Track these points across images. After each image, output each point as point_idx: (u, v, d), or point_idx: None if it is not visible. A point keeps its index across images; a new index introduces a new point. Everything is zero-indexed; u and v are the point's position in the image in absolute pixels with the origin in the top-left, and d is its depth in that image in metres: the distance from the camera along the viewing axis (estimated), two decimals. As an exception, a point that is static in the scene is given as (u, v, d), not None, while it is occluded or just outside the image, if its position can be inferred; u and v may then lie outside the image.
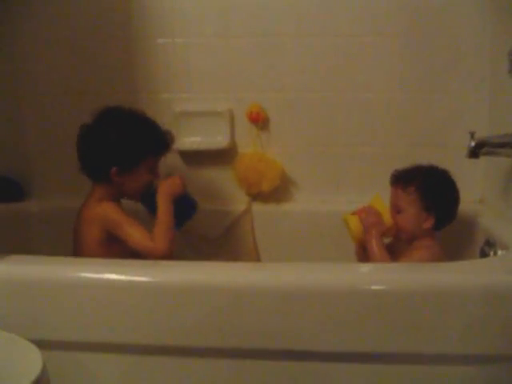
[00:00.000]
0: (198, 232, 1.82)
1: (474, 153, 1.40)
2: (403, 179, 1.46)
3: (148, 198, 1.49)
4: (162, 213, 1.42)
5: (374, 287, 1.15)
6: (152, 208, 1.46)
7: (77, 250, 1.46)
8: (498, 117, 1.65)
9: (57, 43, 1.80)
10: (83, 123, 1.45)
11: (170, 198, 1.45)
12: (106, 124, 1.44)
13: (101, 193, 1.46)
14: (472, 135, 1.40)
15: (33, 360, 0.95)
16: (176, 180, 1.49)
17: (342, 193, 1.82)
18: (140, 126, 1.45)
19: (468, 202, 1.69)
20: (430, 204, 1.43)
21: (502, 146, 1.40)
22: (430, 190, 1.43)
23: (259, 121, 1.78)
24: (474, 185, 1.74)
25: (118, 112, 1.46)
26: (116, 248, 1.42)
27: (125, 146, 1.42)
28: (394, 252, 1.49)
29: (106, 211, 1.42)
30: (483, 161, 1.54)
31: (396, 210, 1.46)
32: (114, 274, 1.20)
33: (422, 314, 1.13)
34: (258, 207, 1.83)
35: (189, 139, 1.81)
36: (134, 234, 1.38)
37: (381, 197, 1.50)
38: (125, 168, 1.43)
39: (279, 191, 1.82)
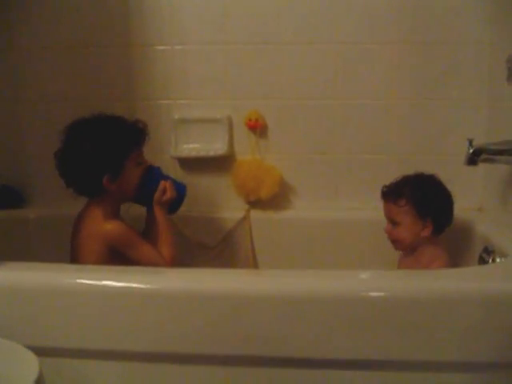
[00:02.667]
0: (197, 239, 1.82)
1: (472, 160, 1.41)
2: (393, 193, 1.47)
3: (141, 199, 1.50)
4: (164, 230, 1.48)
5: (373, 294, 1.14)
6: (147, 203, 1.51)
7: (75, 261, 1.45)
8: (497, 124, 1.65)
9: (57, 51, 1.81)
10: (54, 151, 1.43)
11: (166, 211, 1.50)
12: (76, 140, 1.42)
13: (102, 207, 1.44)
14: (470, 142, 1.41)
15: (30, 367, 0.94)
16: (171, 194, 1.48)
17: (341, 200, 1.82)
18: (109, 125, 1.44)
19: (467, 209, 1.69)
20: (424, 212, 1.43)
21: (501, 153, 1.40)
22: (420, 199, 1.43)
23: (258, 128, 1.78)
24: (473, 192, 1.75)
25: (81, 123, 1.44)
26: (117, 264, 1.40)
27: (104, 151, 1.39)
28: (404, 262, 1.51)
29: (116, 230, 1.41)
30: (482, 168, 1.54)
31: (392, 223, 1.47)
32: (112, 281, 1.19)
33: (421, 320, 1.12)
34: (256, 214, 1.83)
35: (187, 146, 1.81)
36: (147, 254, 1.43)
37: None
38: (114, 172, 1.41)
39: (278, 198, 1.82)
